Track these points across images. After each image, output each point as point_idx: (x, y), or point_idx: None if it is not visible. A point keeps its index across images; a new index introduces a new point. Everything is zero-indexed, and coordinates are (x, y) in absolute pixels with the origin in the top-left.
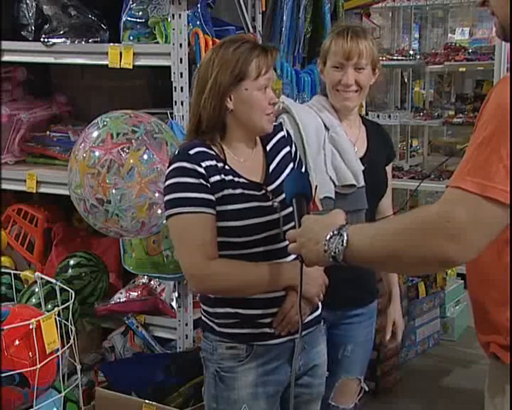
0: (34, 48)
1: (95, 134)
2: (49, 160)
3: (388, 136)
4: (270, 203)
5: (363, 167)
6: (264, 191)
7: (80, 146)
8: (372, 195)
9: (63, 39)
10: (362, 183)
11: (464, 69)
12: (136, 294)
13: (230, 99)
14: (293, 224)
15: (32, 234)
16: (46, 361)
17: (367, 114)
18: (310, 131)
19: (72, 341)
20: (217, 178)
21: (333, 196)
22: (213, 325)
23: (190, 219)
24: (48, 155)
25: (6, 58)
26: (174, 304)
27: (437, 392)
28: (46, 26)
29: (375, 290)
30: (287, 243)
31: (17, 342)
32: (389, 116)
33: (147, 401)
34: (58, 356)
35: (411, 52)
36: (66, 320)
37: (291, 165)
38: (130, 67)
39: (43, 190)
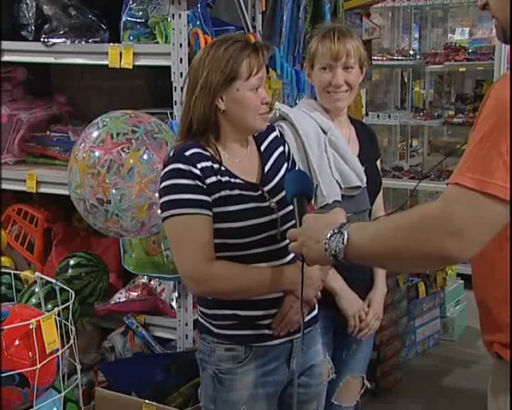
0: (34, 48)
1: (95, 134)
2: (49, 160)
3: (374, 133)
4: (267, 204)
5: (363, 167)
6: (260, 192)
7: (80, 146)
8: (370, 194)
9: (63, 39)
10: (365, 183)
11: (464, 69)
12: (136, 294)
13: (222, 100)
14: (290, 224)
15: (32, 234)
16: (46, 361)
17: (367, 114)
18: (310, 136)
19: (72, 341)
20: (213, 179)
21: (340, 198)
22: (211, 326)
23: (188, 221)
24: (48, 155)
25: (6, 58)
26: (174, 304)
27: (437, 392)
28: (46, 26)
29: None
30: (285, 243)
31: (17, 342)
32: (389, 116)
33: (147, 401)
34: (58, 356)
35: (411, 52)
36: (66, 320)
37: (285, 165)
38: (130, 67)
39: (43, 190)
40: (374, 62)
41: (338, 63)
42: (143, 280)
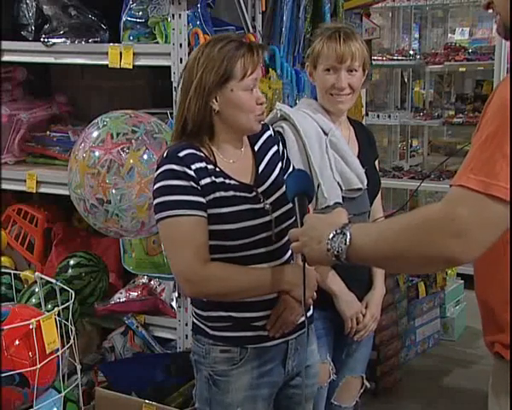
0: (34, 48)
1: (95, 134)
2: (49, 160)
3: (372, 134)
4: (261, 205)
5: (364, 169)
6: (255, 193)
7: (80, 146)
8: (369, 195)
9: (63, 39)
10: (366, 185)
11: (464, 69)
12: (136, 294)
13: (216, 100)
14: (285, 225)
15: (31, 234)
16: (46, 361)
17: (367, 114)
18: (311, 137)
19: (72, 341)
20: (207, 180)
21: (341, 200)
22: (206, 328)
23: (182, 222)
24: (48, 155)
25: (6, 58)
26: (174, 304)
27: (437, 392)
28: (46, 26)
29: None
30: (280, 244)
31: (17, 342)
32: (389, 116)
33: (147, 401)
34: (58, 356)
35: (411, 52)
36: (66, 320)
37: (280, 164)
38: (130, 67)
39: (43, 190)
40: (374, 62)
41: (342, 66)
42: (143, 280)
